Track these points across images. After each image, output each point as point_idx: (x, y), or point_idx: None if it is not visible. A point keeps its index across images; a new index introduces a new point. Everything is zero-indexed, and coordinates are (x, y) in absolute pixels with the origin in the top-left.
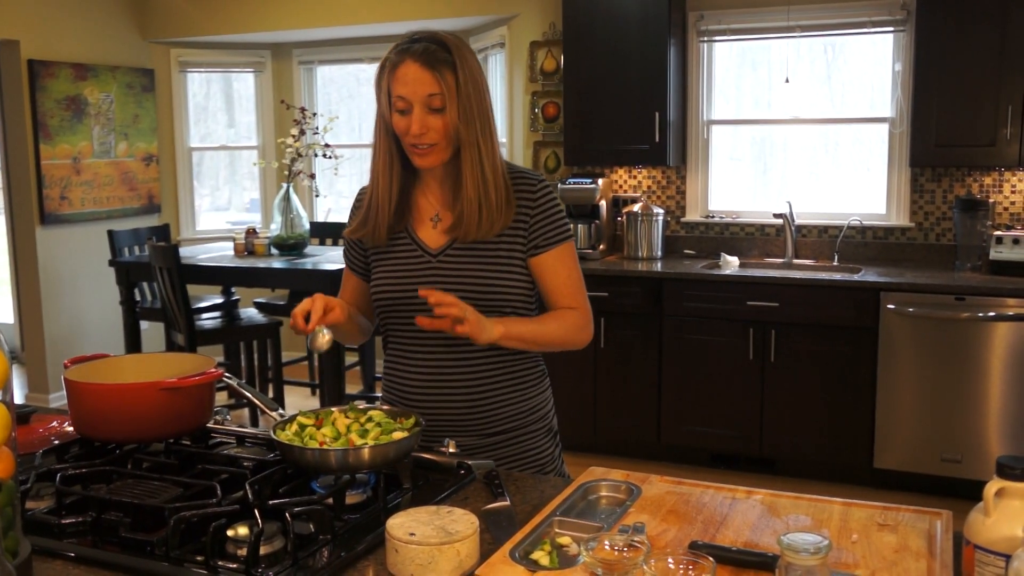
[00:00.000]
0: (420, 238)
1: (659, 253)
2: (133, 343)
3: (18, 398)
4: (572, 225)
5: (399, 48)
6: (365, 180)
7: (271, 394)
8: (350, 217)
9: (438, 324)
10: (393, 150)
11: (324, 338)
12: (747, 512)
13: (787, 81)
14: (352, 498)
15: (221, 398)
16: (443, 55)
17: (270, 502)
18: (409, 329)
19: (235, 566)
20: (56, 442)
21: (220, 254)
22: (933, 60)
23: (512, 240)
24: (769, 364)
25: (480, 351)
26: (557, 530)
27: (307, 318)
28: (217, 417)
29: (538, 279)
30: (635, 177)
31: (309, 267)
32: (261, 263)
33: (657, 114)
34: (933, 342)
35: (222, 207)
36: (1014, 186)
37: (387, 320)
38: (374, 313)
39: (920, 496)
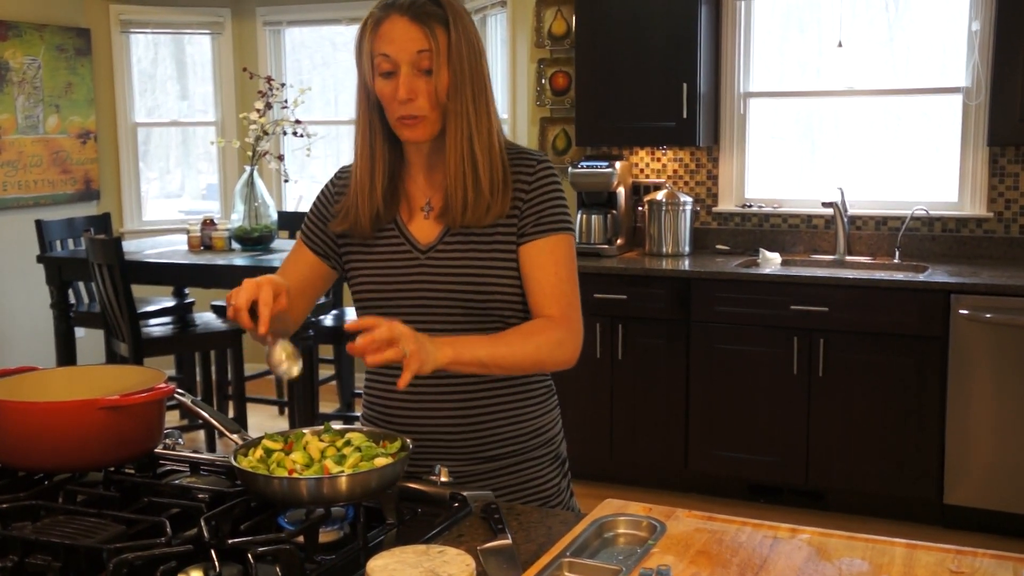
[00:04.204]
0: (410, 232)
1: (687, 249)
2: (66, 354)
3: None
4: (584, 216)
5: (384, 3)
6: (342, 162)
7: (231, 414)
8: (323, 195)
9: (372, 356)
10: (376, 125)
11: (294, 364)
12: (791, 554)
13: (840, 45)
14: (327, 536)
15: (172, 418)
16: (434, 9)
17: (229, 541)
18: None
19: None
20: None
21: (171, 249)
22: (1019, 17)
23: (507, 229)
24: (817, 379)
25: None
26: (567, 573)
27: (253, 312)
28: (167, 441)
29: (522, 273)
30: (659, 160)
31: (276, 264)
32: (220, 259)
33: (685, 85)
34: (1015, 354)
35: (173, 193)
36: None
37: None
38: (356, 314)
39: (1000, 538)
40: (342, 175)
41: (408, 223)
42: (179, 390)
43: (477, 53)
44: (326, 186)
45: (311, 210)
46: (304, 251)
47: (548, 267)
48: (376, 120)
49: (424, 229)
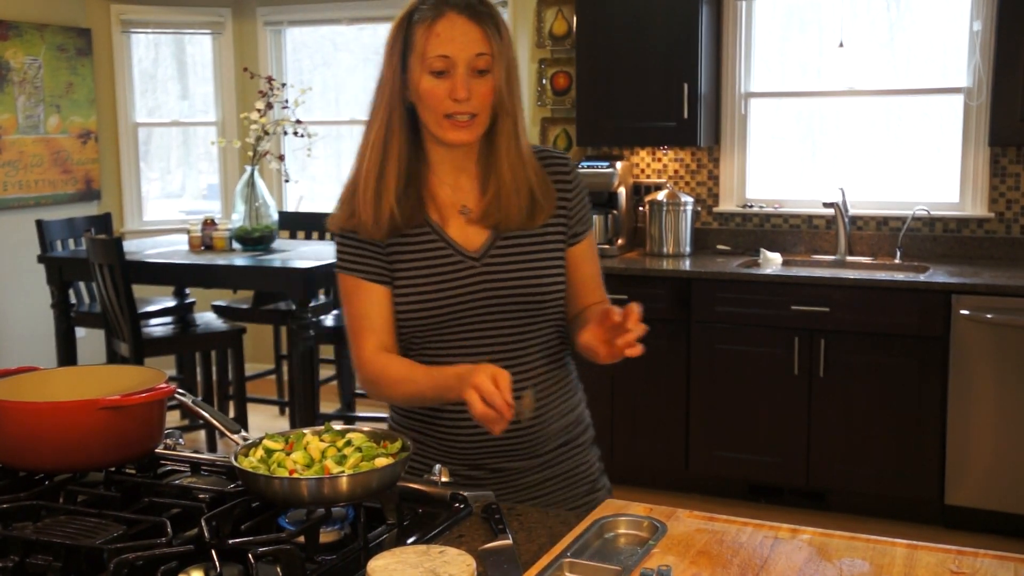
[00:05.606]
0: (452, 238)
1: (687, 249)
2: (67, 354)
3: None
4: None
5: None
6: (343, 162)
7: (232, 414)
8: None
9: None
10: (395, 124)
11: (528, 401)
12: (792, 554)
13: (841, 45)
14: (327, 536)
15: (173, 418)
16: (485, 8)
17: (230, 541)
18: (450, 348)
19: None
20: None
21: (172, 249)
22: (1021, 17)
23: (556, 230)
24: (817, 379)
25: (533, 365)
26: (568, 574)
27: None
28: (168, 441)
29: (570, 271)
30: (660, 160)
31: (277, 264)
32: (220, 260)
33: (686, 86)
34: (1016, 354)
35: (174, 193)
36: None
37: (420, 339)
38: (396, 330)
39: (1001, 539)
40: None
41: (446, 228)
42: (180, 390)
43: (515, 53)
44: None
45: (347, 241)
46: (373, 289)
47: (592, 261)
48: (397, 119)
49: (468, 235)
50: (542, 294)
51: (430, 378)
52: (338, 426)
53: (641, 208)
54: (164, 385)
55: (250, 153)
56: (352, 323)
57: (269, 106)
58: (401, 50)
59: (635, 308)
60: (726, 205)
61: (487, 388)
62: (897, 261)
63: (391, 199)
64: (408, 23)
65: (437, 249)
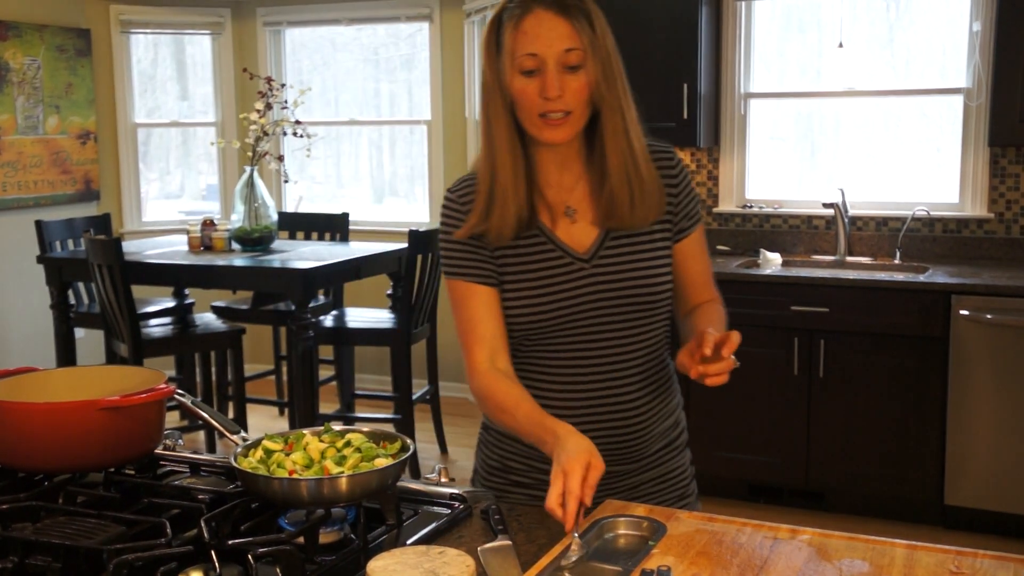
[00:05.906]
0: (560, 239)
1: None
2: (66, 354)
3: None
4: None
5: None
6: (342, 163)
7: (232, 414)
8: (449, 218)
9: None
10: (513, 124)
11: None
12: (792, 555)
13: (841, 46)
14: (327, 536)
15: (172, 419)
16: (573, 1)
17: (229, 542)
18: (557, 354)
19: None
20: None
21: (171, 249)
22: (1020, 17)
23: (664, 227)
24: (817, 380)
25: (640, 368)
26: (568, 574)
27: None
28: (167, 442)
29: (678, 267)
30: None
31: (277, 265)
32: (220, 260)
33: (686, 86)
34: (1015, 355)
35: (173, 194)
36: None
37: (529, 343)
38: (507, 335)
39: (1001, 539)
40: (461, 188)
41: (554, 229)
42: (179, 391)
43: (614, 43)
44: (451, 210)
45: (455, 246)
46: (483, 292)
47: (701, 256)
48: (513, 119)
49: (575, 235)
50: (652, 294)
51: (529, 421)
52: (337, 427)
53: None
54: (163, 386)
55: (249, 154)
56: (463, 329)
57: (268, 107)
58: (495, 51)
59: (734, 339)
60: (726, 205)
61: (572, 487)
62: (897, 261)
63: (520, 202)
64: (499, 23)
65: (546, 252)
